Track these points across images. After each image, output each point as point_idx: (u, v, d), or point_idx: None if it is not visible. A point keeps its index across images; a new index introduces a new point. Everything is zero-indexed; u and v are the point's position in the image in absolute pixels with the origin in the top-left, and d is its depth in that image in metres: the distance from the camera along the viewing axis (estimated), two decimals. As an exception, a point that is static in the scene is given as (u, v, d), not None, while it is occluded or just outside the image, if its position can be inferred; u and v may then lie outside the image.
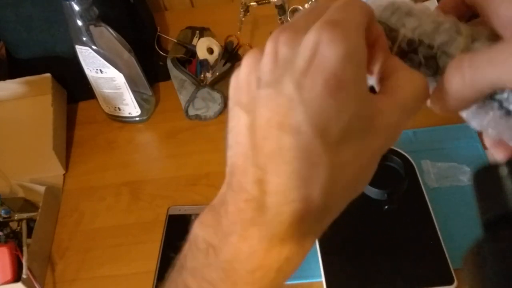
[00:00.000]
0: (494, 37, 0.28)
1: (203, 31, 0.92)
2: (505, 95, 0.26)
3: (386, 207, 0.65)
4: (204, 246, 0.27)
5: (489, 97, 0.27)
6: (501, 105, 0.27)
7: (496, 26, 0.27)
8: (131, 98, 0.82)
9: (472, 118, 0.29)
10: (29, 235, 0.68)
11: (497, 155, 0.30)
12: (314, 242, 0.28)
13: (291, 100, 0.24)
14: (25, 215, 0.71)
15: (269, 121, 0.25)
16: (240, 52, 0.89)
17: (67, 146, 0.84)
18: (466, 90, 0.25)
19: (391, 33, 0.29)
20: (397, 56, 0.29)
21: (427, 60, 0.29)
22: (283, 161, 0.24)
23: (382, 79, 0.27)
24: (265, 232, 0.26)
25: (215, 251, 0.27)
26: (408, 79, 0.27)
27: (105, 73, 0.78)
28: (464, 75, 0.25)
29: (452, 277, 0.59)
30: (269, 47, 0.26)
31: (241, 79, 0.27)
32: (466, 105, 0.27)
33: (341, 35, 0.23)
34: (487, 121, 0.28)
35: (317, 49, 0.23)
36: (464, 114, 0.29)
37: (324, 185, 0.24)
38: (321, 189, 0.25)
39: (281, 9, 0.88)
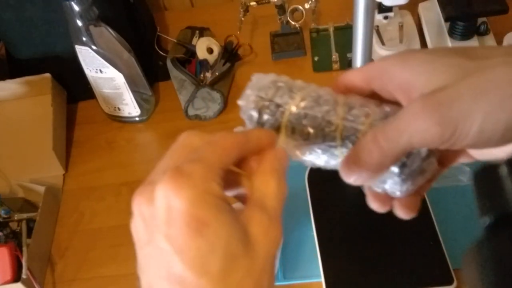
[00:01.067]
0: (368, 103, 0.33)
1: (203, 31, 0.92)
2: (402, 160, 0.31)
3: (386, 207, 0.65)
4: None
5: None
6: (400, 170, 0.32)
7: (393, 91, 0.31)
8: (131, 98, 0.82)
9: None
10: (29, 235, 0.68)
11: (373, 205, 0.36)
12: None
13: (167, 252, 0.26)
14: (25, 215, 0.71)
15: (158, 276, 0.27)
16: (239, 52, 0.90)
17: (67, 146, 0.84)
18: (386, 159, 0.30)
19: (278, 109, 0.33)
20: (287, 131, 0.33)
21: (315, 129, 0.32)
22: None
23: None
24: None
25: None
26: (261, 181, 0.30)
27: (105, 73, 0.78)
28: (383, 148, 0.29)
29: (452, 277, 0.59)
30: (135, 210, 0.28)
31: (134, 236, 0.29)
32: (381, 172, 0.31)
33: (183, 183, 0.26)
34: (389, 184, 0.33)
35: (168, 200, 0.26)
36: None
37: None
38: None
39: (281, 9, 0.88)
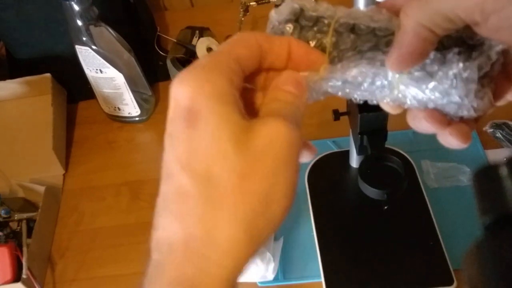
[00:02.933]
0: None
1: (202, 31, 0.92)
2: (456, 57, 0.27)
3: (386, 207, 0.65)
4: None
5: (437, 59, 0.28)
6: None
7: None
8: (131, 98, 0.82)
9: (417, 82, 0.28)
10: (29, 235, 0.68)
11: (425, 128, 0.30)
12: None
13: (166, 149, 0.26)
14: (25, 215, 0.71)
15: (163, 173, 0.26)
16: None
17: (67, 146, 0.84)
18: (425, 17, 0.26)
19: (320, 20, 0.29)
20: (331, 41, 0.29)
21: (368, 35, 0.29)
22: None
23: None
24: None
25: None
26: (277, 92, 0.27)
27: (105, 73, 0.78)
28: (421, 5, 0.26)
29: (452, 277, 0.59)
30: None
31: None
32: (424, 44, 0.27)
33: (186, 76, 0.25)
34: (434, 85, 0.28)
35: (174, 95, 0.26)
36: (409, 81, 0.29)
37: None
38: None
39: (281, 9, 0.88)
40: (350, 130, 0.61)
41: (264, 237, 0.25)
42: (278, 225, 0.25)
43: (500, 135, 0.73)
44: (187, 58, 0.88)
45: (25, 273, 0.64)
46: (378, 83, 0.29)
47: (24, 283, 0.63)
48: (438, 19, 0.26)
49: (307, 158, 0.30)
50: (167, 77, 0.88)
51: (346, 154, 0.70)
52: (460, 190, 0.68)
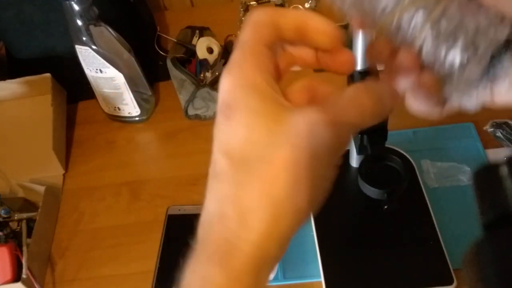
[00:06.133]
0: None
1: (203, 31, 0.92)
2: None
3: (386, 207, 0.65)
4: None
5: None
6: None
7: None
8: (131, 98, 0.81)
9: None
10: (29, 235, 0.68)
11: None
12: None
13: (215, 135, 0.28)
14: (25, 215, 0.71)
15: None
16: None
17: (67, 146, 0.84)
18: None
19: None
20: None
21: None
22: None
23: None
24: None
25: None
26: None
27: (105, 73, 0.78)
28: None
29: (452, 277, 0.59)
30: None
31: None
32: None
33: (227, 70, 0.28)
34: None
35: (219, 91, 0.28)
36: None
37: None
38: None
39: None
40: (350, 130, 0.61)
41: (290, 224, 0.26)
42: (303, 216, 0.27)
43: (500, 135, 0.73)
44: (187, 58, 0.88)
45: (25, 273, 0.64)
46: None
47: (24, 283, 0.63)
48: None
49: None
50: (167, 77, 0.88)
51: (346, 154, 0.70)
52: (460, 189, 0.68)
